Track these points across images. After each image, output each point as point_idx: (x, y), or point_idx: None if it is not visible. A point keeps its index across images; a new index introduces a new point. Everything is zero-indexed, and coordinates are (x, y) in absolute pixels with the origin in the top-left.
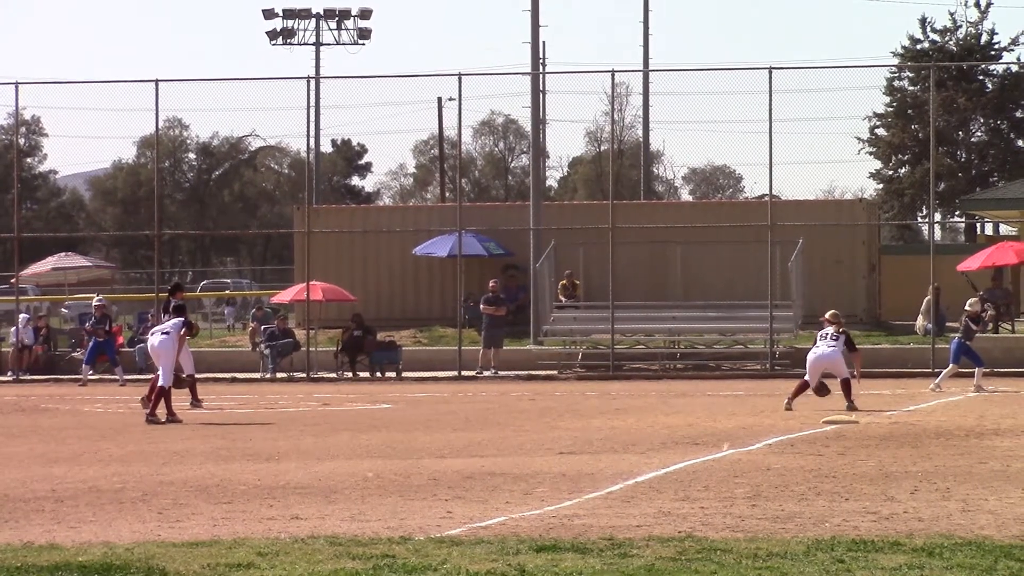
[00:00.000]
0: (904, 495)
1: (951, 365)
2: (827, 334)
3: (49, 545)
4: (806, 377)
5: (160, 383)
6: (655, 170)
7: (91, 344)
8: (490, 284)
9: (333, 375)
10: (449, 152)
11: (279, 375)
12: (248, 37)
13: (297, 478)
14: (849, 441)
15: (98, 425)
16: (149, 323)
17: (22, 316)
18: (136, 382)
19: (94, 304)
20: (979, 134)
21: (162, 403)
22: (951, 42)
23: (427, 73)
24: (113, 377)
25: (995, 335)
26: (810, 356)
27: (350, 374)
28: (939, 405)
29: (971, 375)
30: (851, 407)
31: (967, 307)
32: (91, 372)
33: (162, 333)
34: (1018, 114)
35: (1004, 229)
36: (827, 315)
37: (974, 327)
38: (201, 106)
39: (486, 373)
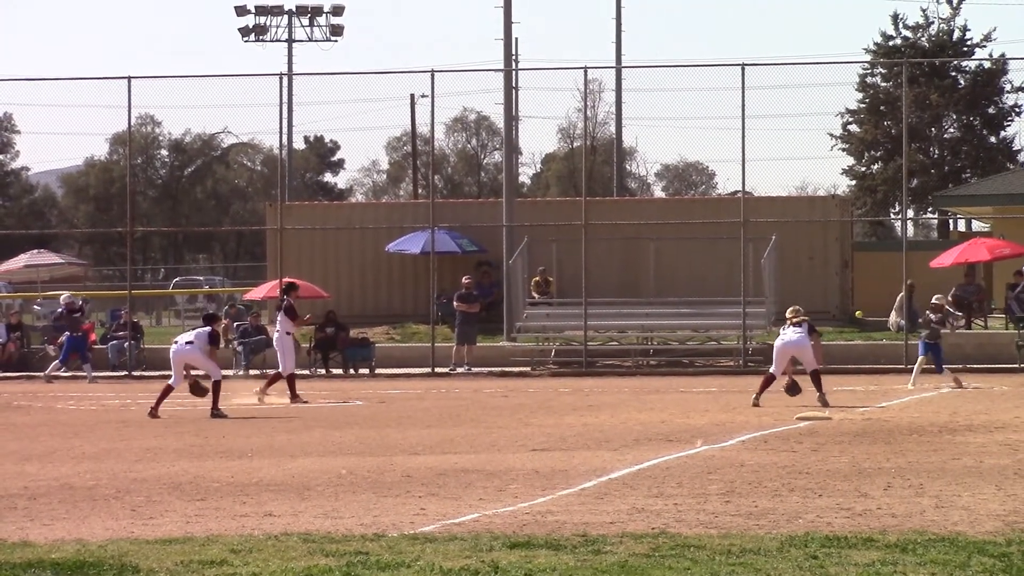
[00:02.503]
0: (877, 491)
1: (921, 357)
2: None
3: (22, 543)
4: (771, 370)
5: (214, 378)
6: (628, 167)
7: (67, 341)
8: (463, 280)
9: (306, 372)
10: (422, 149)
11: (252, 372)
12: (220, 34)
13: (270, 475)
14: (822, 437)
15: (71, 422)
16: (122, 320)
17: None
18: (107, 379)
19: (64, 300)
20: (951, 130)
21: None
22: (923, 38)
23: (400, 70)
24: (83, 374)
25: (968, 331)
26: (777, 343)
27: (323, 371)
28: (912, 401)
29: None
30: (823, 400)
31: (933, 302)
32: (64, 370)
33: (186, 343)
34: (990, 110)
35: (977, 225)
36: (788, 312)
37: (933, 321)
38: (174, 103)
39: (459, 370)
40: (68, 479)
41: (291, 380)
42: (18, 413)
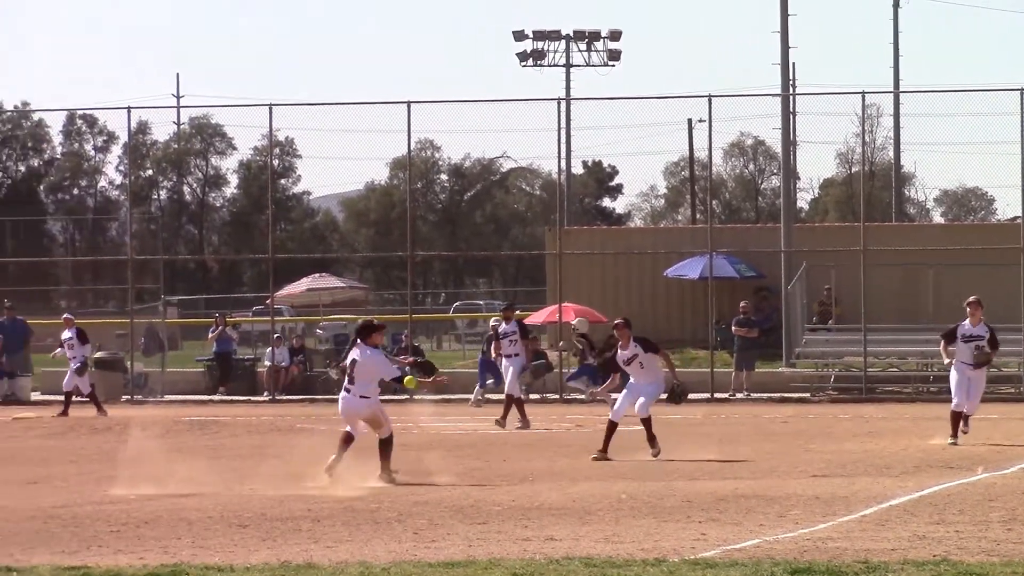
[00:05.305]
0: None
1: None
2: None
3: (306, 564)
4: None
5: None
6: (907, 192)
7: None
8: (741, 306)
9: (583, 396)
10: (700, 174)
11: (531, 396)
12: (499, 59)
13: (551, 499)
14: None
15: (354, 444)
16: (403, 344)
17: (276, 336)
18: (388, 402)
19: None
20: None
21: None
22: None
23: (677, 95)
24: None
25: None
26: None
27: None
28: None
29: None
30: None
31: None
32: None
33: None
34: None
35: None
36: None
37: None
38: (452, 127)
39: (738, 395)
40: (351, 502)
41: (508, 402)
42: (301, 435)
